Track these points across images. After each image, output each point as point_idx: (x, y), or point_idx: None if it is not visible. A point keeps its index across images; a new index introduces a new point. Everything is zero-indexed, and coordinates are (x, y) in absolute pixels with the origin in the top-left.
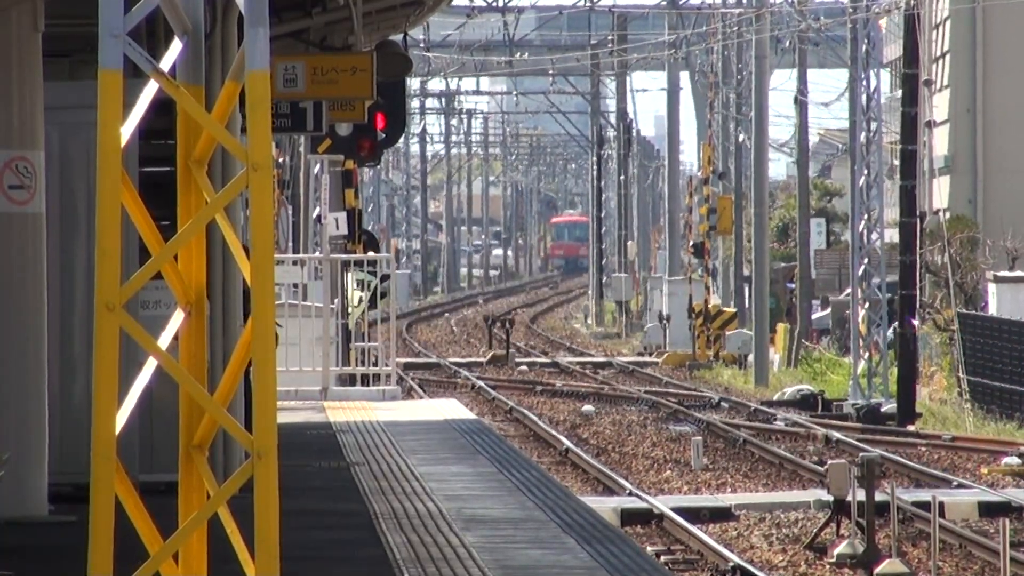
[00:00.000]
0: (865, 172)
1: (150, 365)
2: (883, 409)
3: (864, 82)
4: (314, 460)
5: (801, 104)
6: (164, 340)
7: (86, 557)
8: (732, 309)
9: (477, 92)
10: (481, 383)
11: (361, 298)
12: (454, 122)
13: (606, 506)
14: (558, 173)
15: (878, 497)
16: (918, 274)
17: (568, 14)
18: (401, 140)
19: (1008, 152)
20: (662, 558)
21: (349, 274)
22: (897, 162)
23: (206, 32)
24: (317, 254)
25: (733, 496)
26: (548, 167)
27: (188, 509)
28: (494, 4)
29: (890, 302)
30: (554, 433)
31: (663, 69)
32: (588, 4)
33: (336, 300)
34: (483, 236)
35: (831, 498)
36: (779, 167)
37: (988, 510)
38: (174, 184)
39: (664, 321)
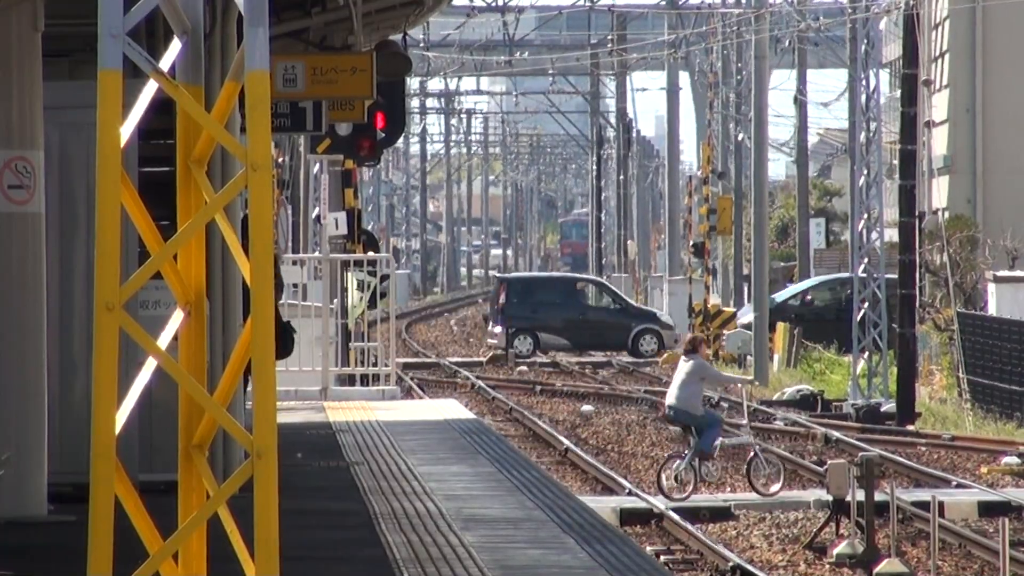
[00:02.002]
0: (865, 172)
1: (150, 365)
2: (883, 409)
3: (864, 82)
4: (314, 460)
5: (801, 104)
6: (164, 340)
7: (86, 557)
8: (732, 309)
9: (477, 92)
10: (481, 383)
11: (361, 297)
12: (454, 122)
13: (605, 506)
14: (558, 173)
15: (878, 497)
16: (917, 274)
17: (568, 14)
18: (401, 140)
19: (1008, 152)
20: (662, 558)
21: (349, 274)
22: (896, 162)
23: (206, 32)
24: (317, 254)
25: (733, 496)
26: (548, 167)
27: (188, 509)
28: (494, 4)
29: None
30: (554, 433)
31: (663, 69)
32: (588, 4)
33: (336, 300)
34: (483, 236)
35: (831, 498)
36: (779, 167)
37: (988, 510)
38: (174, 184)
39: None
